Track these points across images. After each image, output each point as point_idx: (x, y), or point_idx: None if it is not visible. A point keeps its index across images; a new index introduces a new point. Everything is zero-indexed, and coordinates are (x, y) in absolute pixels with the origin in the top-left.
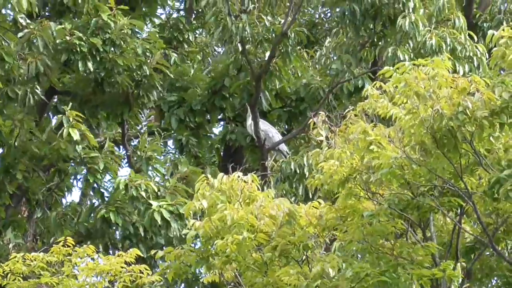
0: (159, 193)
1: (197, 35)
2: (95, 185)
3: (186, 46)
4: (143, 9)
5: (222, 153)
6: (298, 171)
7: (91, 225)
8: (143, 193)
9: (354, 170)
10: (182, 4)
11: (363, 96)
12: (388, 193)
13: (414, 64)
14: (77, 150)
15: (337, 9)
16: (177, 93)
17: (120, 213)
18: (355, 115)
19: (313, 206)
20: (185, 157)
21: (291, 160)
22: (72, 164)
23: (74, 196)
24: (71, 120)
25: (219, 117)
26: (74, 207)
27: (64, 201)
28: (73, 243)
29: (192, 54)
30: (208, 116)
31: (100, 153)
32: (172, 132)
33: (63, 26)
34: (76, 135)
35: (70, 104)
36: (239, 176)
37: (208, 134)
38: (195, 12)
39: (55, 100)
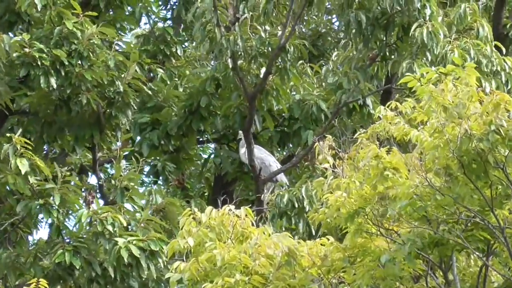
0: (129, 227)
1: (186, 48)
2: (54, 221)
3: (174, 60)
4: (110, 14)
5: (213, 184)
6: (296, 205)
7: (47, 269)
8: (110, 228)
9: (365, 202)
10: (170, 13)
11: (374, 117)
12: (406, 229)
13: (441, 72)
14: (29, 182)
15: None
16: (149, 114)
17: (82, 253)
18: (367, 139)
19: (320, 244)
20: (165, 186)
21: (286, 192)
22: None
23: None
24: (19, 149)
25: (205, 138)
26: (42, 245)
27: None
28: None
29: (181, 69)
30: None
31: (65, 183)
32: (145, 158)
33: (19, 37)
34: (24, 166)
35: (21, 128)
36: (230, 210)
37: (191, 158)
38: (183, 22)
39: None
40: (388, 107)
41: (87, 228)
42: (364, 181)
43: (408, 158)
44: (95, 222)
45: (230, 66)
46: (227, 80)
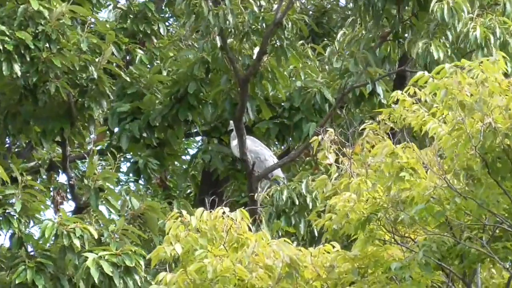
0: (102, 238)
1: (170, 26)
2: (15, 232)
3: (155, 40)
4: None
5: (200, 183)
6: (297, 201)
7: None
8: (77, 242)
9: (378, 207)
10: None
11: (387, 103)
12: (423, 236)
13: (456, 66)
14: None
15: None
16: (130, 102)
17: (48, 268)
18: (375, 132)
19: (324, 251)
20: (145, 186)
21: (284, 188)
22: None
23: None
24: None
25: (193, 130)
26: (3, 253)
27: None
28: None
29: (164, 50)
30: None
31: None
32: (123, 153)
33: None
34: None
35: None
36: (224, 213)
37: (177, 154)
38: None
39: None
40: (406, 92)
41: (53, 239)
42: (377, 181)
43: (424, 154)
44: (62, 234)
45: (219, 45)
46: (215, 61)
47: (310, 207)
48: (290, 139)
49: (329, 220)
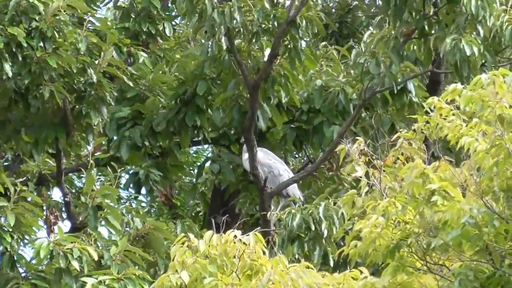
0: (102, 261)
1: (176, 27)
2: (6, 249)
3: (160, 41)
4: None
5: (210, 200)
6: (313, 227)
7: None
8: (76, 264)
9: (408, 232)
10: None
11: (418, 102)
12: (459, 263)
13: (494, 75)
14: None
15: None
16: (130, 106)
17: None
18: (409, 142)
19: (351, 277)
20: (148, 202)
21: (298, 212)
22: None
23: None
24: None
25: (200, 137)
26: None
27: None
28: None
29: (170, 52)
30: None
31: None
32: (123, 167)
33: None
34: None
35: None
36: (236, 236)
37: (181, 165)
38: None
39: None
40: (442, 98)
41: (48, 260)
42: (406, 203)
43: (459, 172)
44: (58, 255)
45: (225, 47)
46: (222, 65)
47: (325, 234)
48: (309, 146)
49: (354, 248)
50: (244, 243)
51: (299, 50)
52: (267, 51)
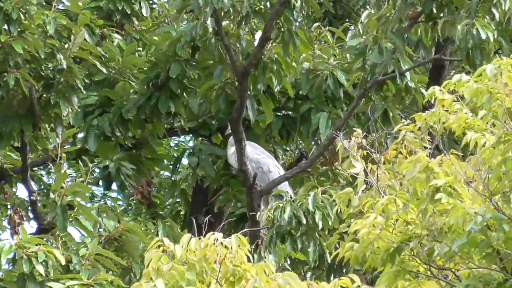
0: (71, 265)
1: (154, 5)
2: None
3: (136, 22)
4: None
5: (191, 198)
6: (304, 221)
7: None
8: (41, 269)
9: (410, 234)
10: None
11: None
12: (465, 270)
13: (501, 65)
14: None
15: None
16: (98, 91)
17: None
18: (413, 134)
19: (341, 286)
20: (123, 201)
21: (287, 204)
22: None
23: None
24: None
25: (177, 125)
26: None
27: None
28: None
29: (147, 34)
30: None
31: None
32: (96, 157)
33: None
34: None
35: None
36: (216, 239)
37: (157, 157)
38: None
39: None
40: (444, 87)
41: (10, 265)
42: (408, 201)
43: (465, 169)
44: (20, 259)
45: (211, 29)
46: (207, 49)
47: (320, 226)
48: (297, 136)
49: (350, 250)
50: (225, 246)
51: (293, 34)
52: (258, 35)
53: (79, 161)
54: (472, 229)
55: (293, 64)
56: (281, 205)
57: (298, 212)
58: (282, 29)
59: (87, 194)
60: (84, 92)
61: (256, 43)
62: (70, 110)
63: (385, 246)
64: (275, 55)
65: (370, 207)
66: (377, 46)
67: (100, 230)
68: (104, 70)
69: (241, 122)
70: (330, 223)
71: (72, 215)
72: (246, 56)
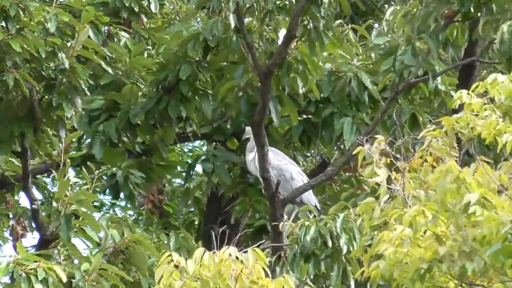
0: (73, 281)
1: (164, 1)
2: None
3: (145, 19)
4: None
5: (205, 207)
6: (330, 243)
7: None
8: (40, 287)
9: (441, 255)
10: None
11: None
12: (498, 284)
13: None
14: None
15: None
16: (104, 95)
17: None
18: (440, 140)
19: None
20: (133, 211)
21: (312, 224)
22: None
23: None
24: None
25: (189, 131)
26: None
27: None
28: None
29: (156, 33)
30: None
31: None
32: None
33: None
34: None
35: None
36: (230, 254)
37: (168, 164)
38: None
39: None
40: (476, 88)
41: (9, 281)
42: (438, 212)
43: (497, 176)
44: (19, 277)
45: (233, 26)
46: (228, 47)
47: (344, 251)
48: (319, 142)
49: (377, 268)
50: (241, 261)
51: (320, 32)
52: (282, 32)
53: (84, 168)
54: (508, 233)
55: (320, 64)
56: (306, 223)
57: (325, 232)
58: (309, 27)
59: (94, 203)
60: (89, 94)
61: (280, 42)
62: (74, 113)
63: (415, 265)
64: (301, 55)
65: (396, 218)
66: (410, 47)
67: (110, 241)
68: (110, 71)
69: (263, 127)
70: (356, 247)
71: (77, 225)
72: (270, 55)
